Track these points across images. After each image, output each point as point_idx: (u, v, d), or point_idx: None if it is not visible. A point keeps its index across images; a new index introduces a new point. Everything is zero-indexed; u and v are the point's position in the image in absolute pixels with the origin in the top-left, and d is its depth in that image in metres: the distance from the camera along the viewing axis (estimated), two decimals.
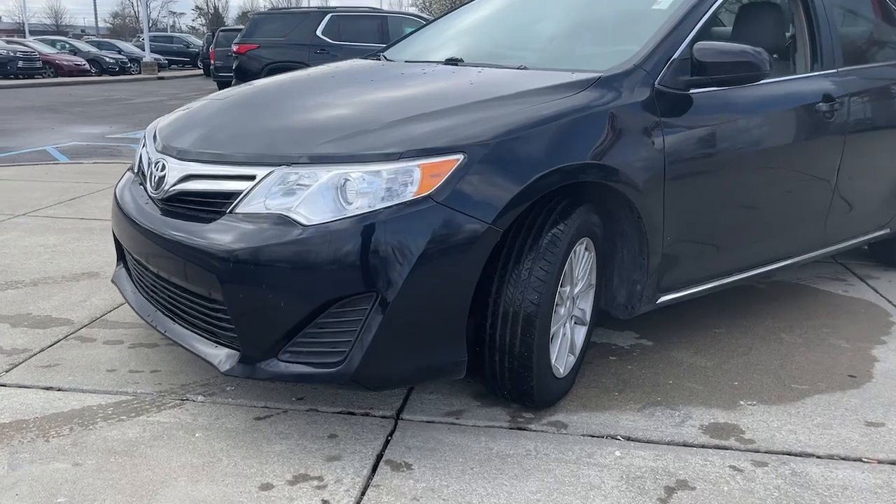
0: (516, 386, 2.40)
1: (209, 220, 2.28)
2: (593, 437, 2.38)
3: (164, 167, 2.50)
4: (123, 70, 29.83)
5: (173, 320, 2.51)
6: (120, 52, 32.34)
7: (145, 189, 2.63)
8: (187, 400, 2.56)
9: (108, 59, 29.68)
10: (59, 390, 2.62)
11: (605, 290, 2.82)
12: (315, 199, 2.14)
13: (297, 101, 2.78)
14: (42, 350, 2.94)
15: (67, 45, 30.83)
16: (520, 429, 2.42)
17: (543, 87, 2.58)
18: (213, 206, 2.32)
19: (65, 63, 26.78)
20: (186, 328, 2.45)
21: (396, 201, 2.11)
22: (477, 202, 2.16)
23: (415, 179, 2.13)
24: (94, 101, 16.74)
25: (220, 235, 2.20)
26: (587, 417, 2.50)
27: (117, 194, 2.81)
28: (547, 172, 2.28)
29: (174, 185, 2.43)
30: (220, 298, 2.22)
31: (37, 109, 14.53)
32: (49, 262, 4.08)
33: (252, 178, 2.24)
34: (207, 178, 2.36)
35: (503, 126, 2.29)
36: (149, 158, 2.69)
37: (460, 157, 2.18)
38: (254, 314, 2.18)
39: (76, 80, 25.16)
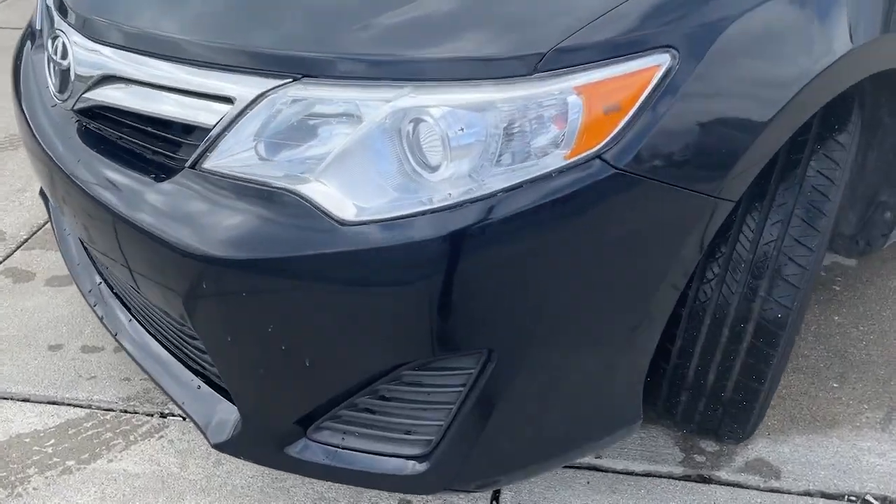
0: (708, 427, 1.44)
1: (157, 176, 1.19)
2: (827, 496, 1.47)
3: (65, 51, 1.35)
4: None
5: (129, 312, 1.52)
6: None
7: (49, 81, 1.48)
8: (170, 416, 1.65)
9: None
10: None
11: None
12: (359, 157, 1.04)
13: None
14: None
15: None
16: (702, 480, 1.50)
17: None
18: (161, 144, 1.21)
19: None
20: (150, 335, 1.46)
21: (532, 171, 1.00)
22: (694, 157, 1.04)
23: (570, 117, 1.00)
24: None
25: (174, 219, 1.13)
26: (804, 447, 1.56)
27: (20, 82, 1.64)
28: (821, 72, 1.12)
29: (88, 91, 1.30)
30: (191, 329, 1.21)
31: None
32: None
33: (229, 100, 1.11)
34: (143, 87, 1.22)
35: None
36: (49, 19, 1.52)
37: (663, 60, 1.02)
38: (251, 371, 1.17)
39: None
